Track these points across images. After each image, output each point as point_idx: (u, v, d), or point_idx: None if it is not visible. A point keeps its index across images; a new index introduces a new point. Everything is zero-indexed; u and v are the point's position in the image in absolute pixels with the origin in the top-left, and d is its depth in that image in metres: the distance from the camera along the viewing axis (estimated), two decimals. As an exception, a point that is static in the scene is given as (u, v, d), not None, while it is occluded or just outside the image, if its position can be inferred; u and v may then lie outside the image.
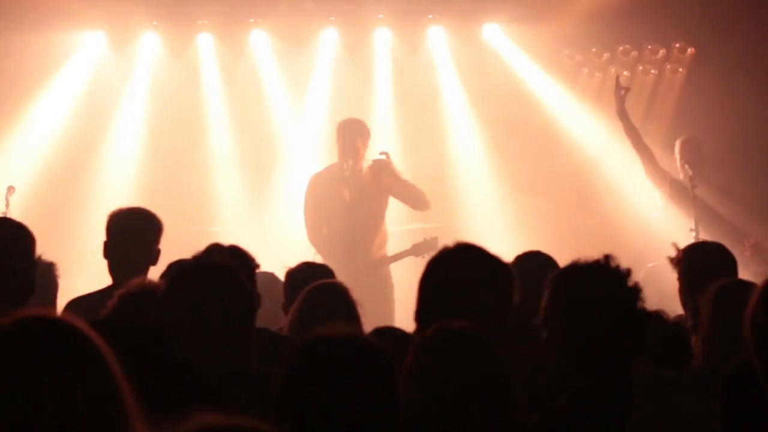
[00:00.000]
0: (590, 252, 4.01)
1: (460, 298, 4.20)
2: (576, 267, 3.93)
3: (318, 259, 10.07)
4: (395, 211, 11.56)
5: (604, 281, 3.86)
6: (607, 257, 3.90)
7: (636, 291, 3.87)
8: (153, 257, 6.13)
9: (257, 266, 5.26)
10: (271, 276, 6.57)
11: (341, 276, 6.49)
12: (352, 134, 10.76)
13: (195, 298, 3.95)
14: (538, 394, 3.93)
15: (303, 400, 2.87)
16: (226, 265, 4.12)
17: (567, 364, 3.87)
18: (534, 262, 5.75)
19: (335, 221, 10.72)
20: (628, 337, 3.85)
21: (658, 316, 4.87)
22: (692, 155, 10.90)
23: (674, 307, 5.75)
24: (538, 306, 4.01)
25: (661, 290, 10.47)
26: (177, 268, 4.65)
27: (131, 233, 6.11)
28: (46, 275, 6.18)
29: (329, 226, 10.76)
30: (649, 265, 11.04)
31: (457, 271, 4.27)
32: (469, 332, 3.37)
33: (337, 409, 2.85)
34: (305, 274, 5.91)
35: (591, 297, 3.84)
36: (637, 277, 3.96)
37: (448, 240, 4.48)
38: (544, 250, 6.17)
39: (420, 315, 4.33)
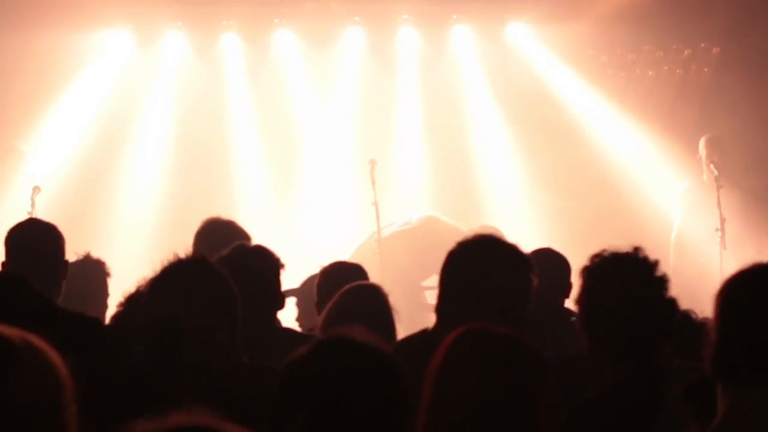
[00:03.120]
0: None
1: (480, 287, 4.23)
2: (608, 257, 3.97)
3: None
4: (421, 211, 11.57)
5: (636, 270, 3.91)
6: (637, 248, 3.95)
7: (664, 280, 3.93)
8: None
9: (282, 266, 5.27)
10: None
11: None
12: None
13: (174, 293, 3.95)
14: (570, 387, 3.97)
15: (301, 403, 2.83)
16: (205, 260, 4.13)
17: (601, 352, 3.88)
18: (546, 259, 5.82)
19: None
20: (660, 325, 3.92)
21: (686, 315, 4.87)
22: (717, 154, 10.89)
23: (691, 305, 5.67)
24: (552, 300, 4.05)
25: (684, 289, 10.46)
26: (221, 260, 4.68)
27: (220, 245, 6.08)
28: (96, 272, 6.26)
29: None
30: (671, 265, 11.03)
31: (476, 260, 4.31)
32: (505, 336, 3.26)
33: (332, 416, 2.81)
34: (338, 274, 5.91)
35: (624, 286, 3.89)
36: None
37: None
38: (568, 250, 6.20)
39: (441, 307, 4.34)
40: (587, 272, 3.96)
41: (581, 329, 3.92)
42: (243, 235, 6.32)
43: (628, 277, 3.90)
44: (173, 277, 4.01)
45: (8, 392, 2.17)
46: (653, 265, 3.93)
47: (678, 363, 4.21)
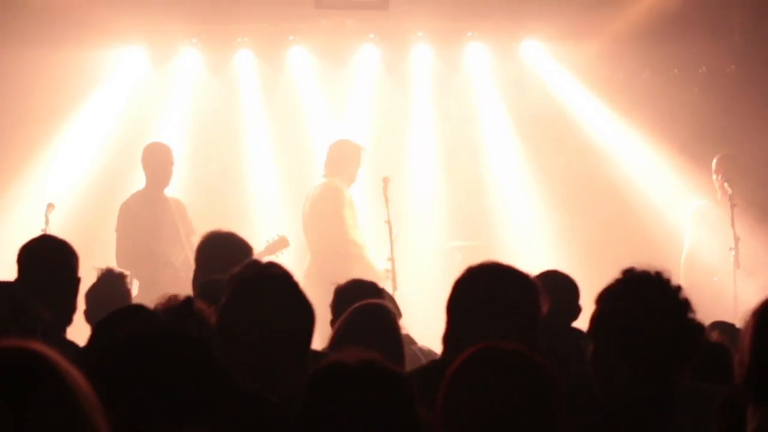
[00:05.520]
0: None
1: (487, 313, 4.20)
2: (627, 279, 3.83)
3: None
4: (434, 229, 11.56)
5: (655, 293, 3.78)
6: (659, 272, 3.81)
7: (687, 303, 3.79)
8: None
9: (293, 283, 5.27)
10: None
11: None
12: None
13: (259, 306, 3.97)
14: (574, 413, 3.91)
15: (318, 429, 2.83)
16: (288, 276, 4.15)
17: (613, 377, 3.78)
18: (552, 280, 5.80)
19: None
20: (679, 349, 3.78)
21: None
22: (731, 172, 10.84)
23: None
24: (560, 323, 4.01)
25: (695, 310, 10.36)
26: (238, 277, 4.67)
27: (223, 258, 6.05)
28: (117, 286, 6.29)
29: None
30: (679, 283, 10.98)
31: (483, 287, 4.28)
32: (516, 353, 3.21)
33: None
34: (353, 292, 5.91)
35: (643, 309, 3.75)
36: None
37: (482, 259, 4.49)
38: (579, 268, 6.20)
39: (449, 335, 4.31)
40: (606, 295, 3.83)
41: (595, 347, 3.85)
42: (245, 247, 6.31)
43: (649, 302, 3.75)
44: (254, 290, 4.04)
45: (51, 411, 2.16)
46: (675, 288, 3.79)
47: (689, 384, 4.16)
